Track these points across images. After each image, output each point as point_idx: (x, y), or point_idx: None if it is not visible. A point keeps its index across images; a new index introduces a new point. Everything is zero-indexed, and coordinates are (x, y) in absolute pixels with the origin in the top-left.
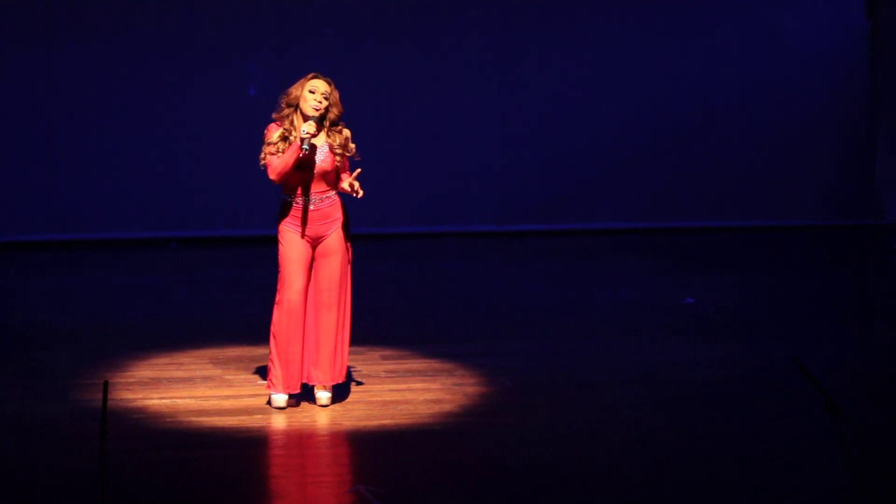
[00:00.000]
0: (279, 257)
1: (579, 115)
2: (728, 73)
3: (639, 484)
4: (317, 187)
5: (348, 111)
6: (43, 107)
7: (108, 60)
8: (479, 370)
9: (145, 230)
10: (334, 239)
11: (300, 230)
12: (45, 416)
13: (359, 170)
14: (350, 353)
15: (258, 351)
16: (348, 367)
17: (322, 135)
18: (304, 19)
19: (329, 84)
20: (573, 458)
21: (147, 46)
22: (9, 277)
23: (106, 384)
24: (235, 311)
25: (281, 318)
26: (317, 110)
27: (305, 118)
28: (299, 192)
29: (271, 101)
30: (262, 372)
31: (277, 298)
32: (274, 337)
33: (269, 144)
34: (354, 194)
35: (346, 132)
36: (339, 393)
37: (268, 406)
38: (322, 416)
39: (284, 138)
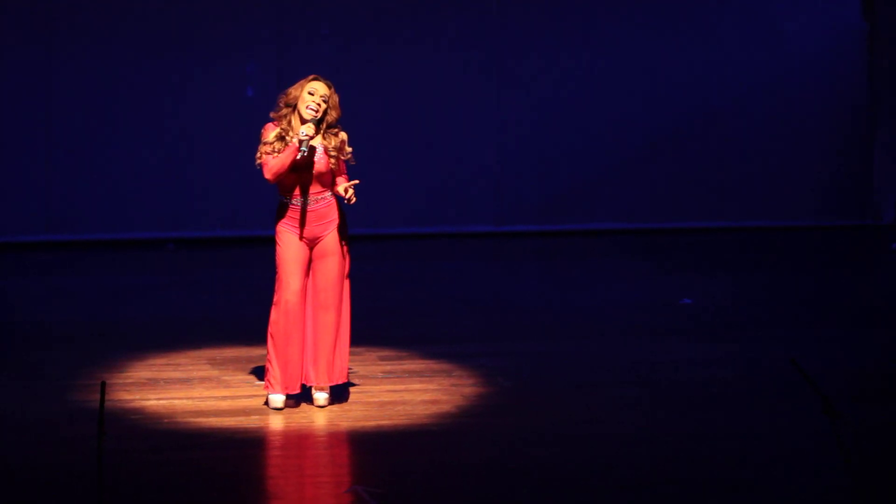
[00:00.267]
0: (276, 258)
1: (577, 116)
2: (726, 74)
3: (638, 484)
4: (312, 188)
5: (346, 112)
6: (42, 108)
7: (106, 62)
8: (477, 371)
9: (143, 231)
10: (331, 240)
11: (297, 231)
12: (42, 417)
13: (357, 181)
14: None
15: (256, 352)
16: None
17: (318, 137)
18: (303, 20)
19: (329, 87)
20: (572, 459)
21: (145, 48)
22: (7, 278)
23: (103, 385)
24: (233, 311)
25: (278, 319)
26: (312, 112)
27: (303, 120)
28: (295, 193)
29: (269, 102)
30: (260, 373)
31: (275, 299)
32: (271, 337)
33: (265, 144)
34: (347, 201)
35: (343, 136)
36: (337, 394)
37: (265, 407)
38: (320, 416)
39: (281, 138)
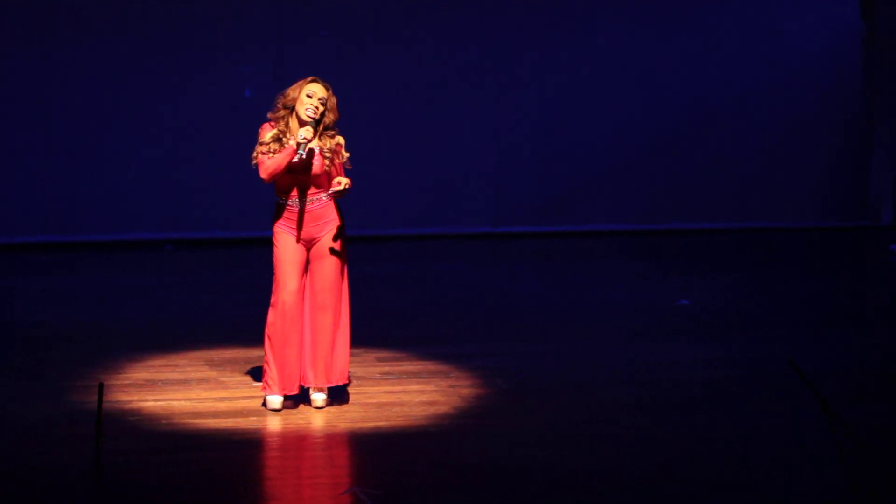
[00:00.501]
0: (273, 259)
1: (575, 117)
2: (725, 75)
3: (637, 485)
4: (308, 190)
5: (344, 113)
6: (41, 109)
7: (105, 63)
8: (475, 372)
9: (141, 232)
10: (328, 241)
11: (294, 232)
12: (40, 418)
13: (347, 179)
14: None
15: (254, 353)
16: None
17: (315, 139)
18: (301, 22)
19: (327, 89)
20: (570, 460)
21: (144, 48)
22: (5, 278)
23: (101, 386)
24: (231, 312)
25: (275, 320)
26: (311, 116)
27: (301, 122)
28: (291, 194)
29: (268, 102)
30: (258, 374)
31: (272, 300)
32: (269, 338)
33: (261, 144)
34: (336, 184)
35: (340, 139)
36: (335, 395)
37: (263, 408)
38: (317, 417)
39: (278, 140)
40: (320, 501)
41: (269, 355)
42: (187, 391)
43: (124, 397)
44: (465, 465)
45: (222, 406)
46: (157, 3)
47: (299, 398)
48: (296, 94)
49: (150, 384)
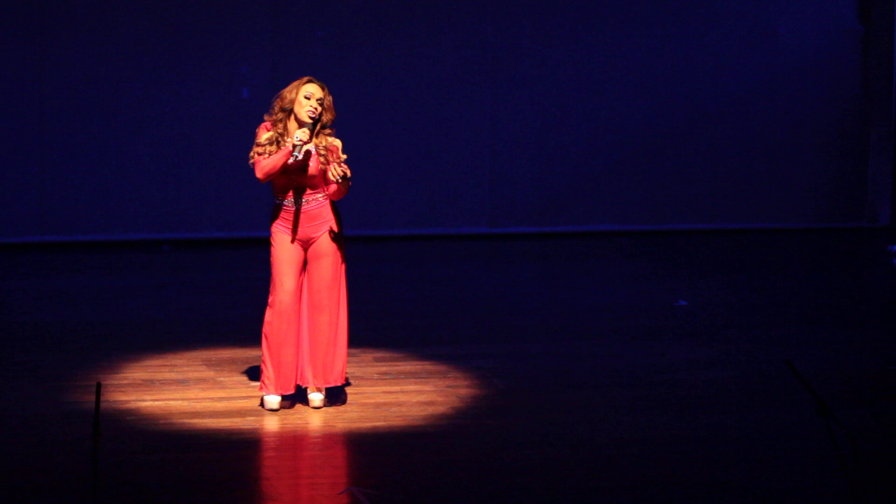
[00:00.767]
0: (271, 259)
1: (571, 118)
2: (721, 76)
3: (634, 486)
4: (304, 190)
5: (340, 113)
6: (36, 109)
7: (101, 62)
8: (472, 372)
9: (138, 232)
10: (325, 241)
11: (290, 232)
12: (37, 418)
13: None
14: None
15: (251, 352)
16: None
17: (311, 140)
18: (298, 22)
19: (323, 89)
20: (567, 461)
21: (140, 48)
22: (1, 279)
23: (98, 386)
24: (228, 312)
25: (273, 320)
26: (312, 117)
27: (300, 123)
28: (288, 194)
29: (264, 103)
30: (255, 373)
31: (269, 300)
32: (266, 338)
33: (258, 145)
34: (335, 164)
35: (337, 142)
36: (333, 395)
37: (260, 408)
38: (315, 417)
39: (275, 141)
40: (318, 501)
41: (266, 355)
42: (185, 391)
43: (122, 397)
44: (462, 466)
45: (220, 406)
46: (152, 3)
47: (296, 398)
48: (293, 96)
49: (148, 384)
